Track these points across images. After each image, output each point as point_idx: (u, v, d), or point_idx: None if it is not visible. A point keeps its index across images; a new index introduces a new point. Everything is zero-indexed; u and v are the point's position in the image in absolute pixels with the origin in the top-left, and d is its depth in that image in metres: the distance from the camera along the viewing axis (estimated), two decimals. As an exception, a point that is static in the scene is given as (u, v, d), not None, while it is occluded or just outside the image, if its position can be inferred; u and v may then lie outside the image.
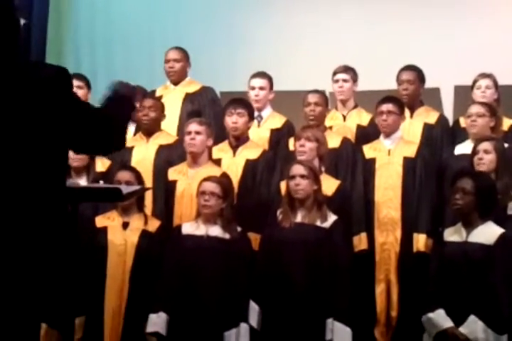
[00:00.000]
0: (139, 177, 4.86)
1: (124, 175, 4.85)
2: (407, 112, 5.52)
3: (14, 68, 2.56)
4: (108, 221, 4.89)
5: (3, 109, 2.50)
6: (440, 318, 4.28)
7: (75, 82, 5.87)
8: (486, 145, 4.81)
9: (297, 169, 4.73)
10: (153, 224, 4.90)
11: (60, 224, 2.59)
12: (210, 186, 4.74)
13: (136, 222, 4.87)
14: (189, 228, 4.76)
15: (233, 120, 5.30)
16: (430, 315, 4.32)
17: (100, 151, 2.87)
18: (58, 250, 2.57)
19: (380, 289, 5.07)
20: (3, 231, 2.46)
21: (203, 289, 4.62)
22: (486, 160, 4.78)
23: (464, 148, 5.17)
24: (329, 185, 4.95)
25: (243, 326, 4.59)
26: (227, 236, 4.71)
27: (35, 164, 2.52)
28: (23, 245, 2.48)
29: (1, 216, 2.47)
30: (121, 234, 4.84)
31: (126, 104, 2.81)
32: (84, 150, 2.85)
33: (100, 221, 4.90)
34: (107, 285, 4.74)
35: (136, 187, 4.17)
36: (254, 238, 4.92)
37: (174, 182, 5.16)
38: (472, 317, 4.19)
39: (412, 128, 5.53)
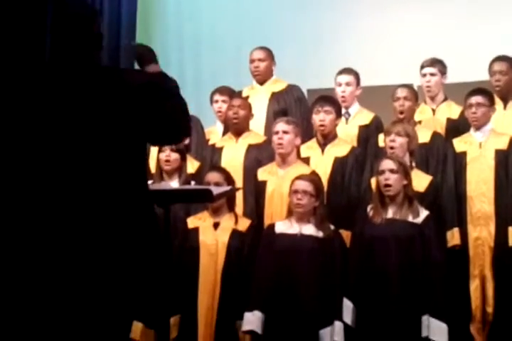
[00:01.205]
0: (228, 178, 4.91)
1: (213, 176, 4.91)
2: (499, 103, 5.41)
3: (103, 73, 2.66)
4: (199, 221, 4.96)
5: (94, 112, 2.60)
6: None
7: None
8: None
9: (387, 164, 4.70)
10: (244, 224, 4.94)
11: (146, 223, 2.65)
12: (303, 185, 4.75)
13: (227, 222, 4.93)
14: (282, 227, 4.79)
15: (320, 118, 5.29)
16: (529, 310, 4.24)
17: (172, 140, 2.96)
18: (148, 250, 2.63)
19: (474, 285, 4.99)
20: (88, 231, 2.54)
21: (298, 287, 4.63)
22: None
23: (558, 138, 5.05)
24: (421, 180, 4.91)
25: (337, 324, 4.59)
26: (320, 234, 4.72)
27: (117, 165, 2.61)
28: (110, 245, 2.56)
29: (89, 216, 2.55)
30: (213, 234, 4.90)
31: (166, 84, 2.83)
32: (159, 141, 2.98)
33: (192, 222, 4.98)
34: (200, 284, 4.80)
35: (226, 188, 4.23)
36: (346, 235, 4.91)
37: (264, 182, 5.19)
38: None
39: (505, 120, 5.41)
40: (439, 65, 5.66)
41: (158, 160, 5.24)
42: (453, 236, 4.99)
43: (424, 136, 5.21)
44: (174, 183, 5.09)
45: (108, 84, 2.65)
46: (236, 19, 7.47)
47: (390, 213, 4.65)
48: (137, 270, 2.61)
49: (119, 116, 2.62)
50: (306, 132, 5.45)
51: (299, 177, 4.81)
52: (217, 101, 5.94)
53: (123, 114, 2.63)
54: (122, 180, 2.61)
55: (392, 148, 4.97)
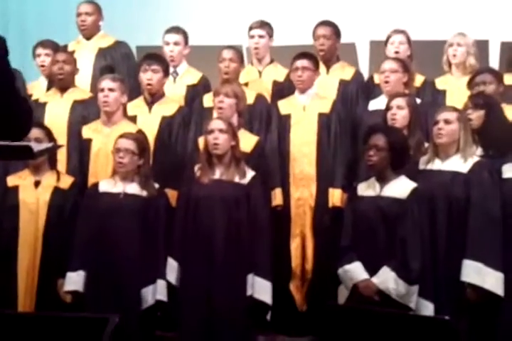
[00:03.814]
0: (49, 135, 4.78)
1: (33, 132, 4.71)
2: (322, 68, 5.53)
3: None
4: (20, 180, 4.82)
5: None
6: (357, 270, 4.35)
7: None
8: (399, 101, 4.87)
9: (216, 124, 4.71)
10: (66, 181, 4.85)
11: None
12: (125, 143, 4.68)
13: (48, 180, 4.81)
14: (106, 185, 4.72)
15: (148, 77, 5.23)
16: (347, 267, 4.38)
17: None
18: None
19: (295, 244, 5.13)
20: None
21: (120, 247, 4.59)
22: (399, 115, 4.83)
23: (377, 103, 5.22)
24: (248, 141, 4.96)
25: (160, 282, 4.60)
26: (144, 193, 4.68)
27: None
28: None
29: None
30: (33, 192, 4.78)
31: None
32: None
33: (11, 180, 4.83)
34: (20, 243, 4.69)
35: (48, 145, 4.08)
36: (172, 194, 4.91)
37: (89, 140, 5.09)
38: (384, 268, 4.28)
39: (327, 84, 5.55)
40: (267, 27, 5.72)
41: (-27, 114, 5.00)
42: (275, 196, 5.10)
43: (248, 98, 5.24)
44: (-9, 140, 4.89)
45: None
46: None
47: (218, 174, 4.68)
48: None
49: None
50: (133, 90, 5.37)
51: (122, 136, 4.74)
52: (39, 55, 5.76)
53: None
54: None
55: (220, 108, 4.99)
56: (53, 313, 4.30)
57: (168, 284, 4.62)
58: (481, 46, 5.63)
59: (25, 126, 2.62)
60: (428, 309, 4.30)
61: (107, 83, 5.06)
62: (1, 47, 2.57)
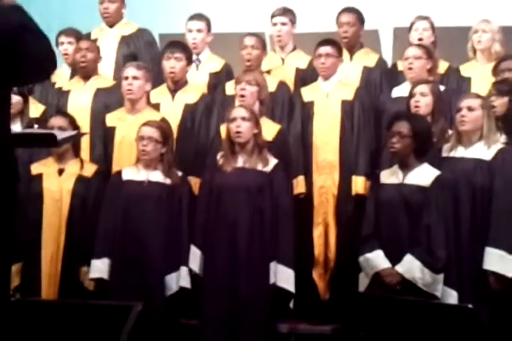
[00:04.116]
0: (73, 123, 4.82)
1: (57, 120, 4.79)
2: (346, 55, 5.50)
3: None
4: (44, 168, 4.86)
5: None
6: (378, 259, 4.34)
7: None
8: (422, 88, 4.84)
9: (238, 112, 4.71)
10: (90, 169, 4.88)
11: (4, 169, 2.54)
12: (149, 131, 4.70)
13: (72, 168, 4.85)
14: (129, 173, 4.75)
15: (171, 65, 5.23)
16: (368, 255, 4.37)
17: (37, 78, 2.77)
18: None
19: (318, 232, 5.12)
20: None
21: (144, 234, 4.63)
22: (423, 103, 4.80)
23: (401, 90, 5.19)
24: (270, 129, 4.95)
25: (183, 269, 4.63)
26: (168, 181, 4.71)
27: None
28: None
29: None
30: (57, 180, 4.82)
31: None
32: (23, 80, 2.77)
33: (36, 168, 4.87)
34: (44, 231, 4.74)
35: (71, 133, 4.14)
36: (195, 182, 4.93)
37: (113, 128, 5.11)
38: (408, 257, 4.26)
39: (351, 71, 5.50)
40: (289, 14, 5.68)
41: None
42: (298, 184, 5.08)
43: (270, 86, 5.22)
44: (16, 127, 4.93)
45: None
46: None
47: (240, 162, 4.68)
48: None
49: None
50: (157, 77, 5.37)
51: (145, 124, 4.76)
52: (62, 44, 5.78)
53: None
54: None
55: (242, 96, 4.98)
56: (77, 301, 4.36)
57: (191, 271, 4.64)
58: (506, 32, 5.57)
59: (47, 63, 2.61)
60: (452, 297, 4.29)
61: (131, 71, 5.06)
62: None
